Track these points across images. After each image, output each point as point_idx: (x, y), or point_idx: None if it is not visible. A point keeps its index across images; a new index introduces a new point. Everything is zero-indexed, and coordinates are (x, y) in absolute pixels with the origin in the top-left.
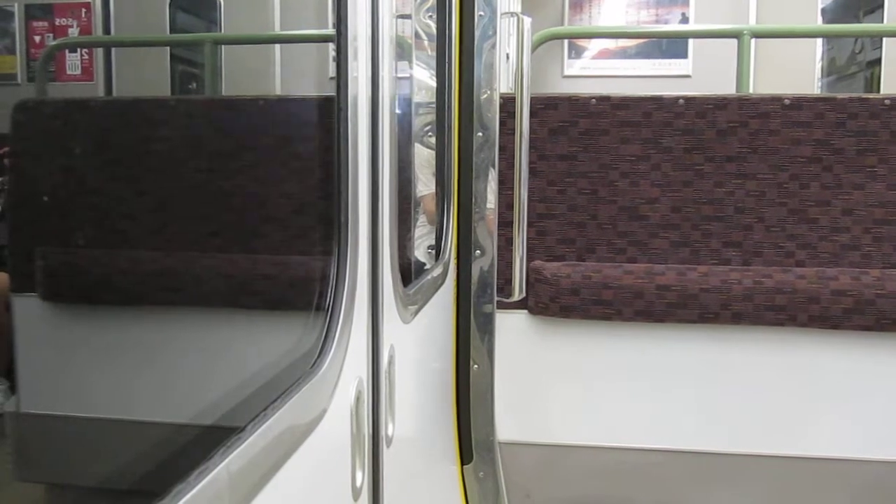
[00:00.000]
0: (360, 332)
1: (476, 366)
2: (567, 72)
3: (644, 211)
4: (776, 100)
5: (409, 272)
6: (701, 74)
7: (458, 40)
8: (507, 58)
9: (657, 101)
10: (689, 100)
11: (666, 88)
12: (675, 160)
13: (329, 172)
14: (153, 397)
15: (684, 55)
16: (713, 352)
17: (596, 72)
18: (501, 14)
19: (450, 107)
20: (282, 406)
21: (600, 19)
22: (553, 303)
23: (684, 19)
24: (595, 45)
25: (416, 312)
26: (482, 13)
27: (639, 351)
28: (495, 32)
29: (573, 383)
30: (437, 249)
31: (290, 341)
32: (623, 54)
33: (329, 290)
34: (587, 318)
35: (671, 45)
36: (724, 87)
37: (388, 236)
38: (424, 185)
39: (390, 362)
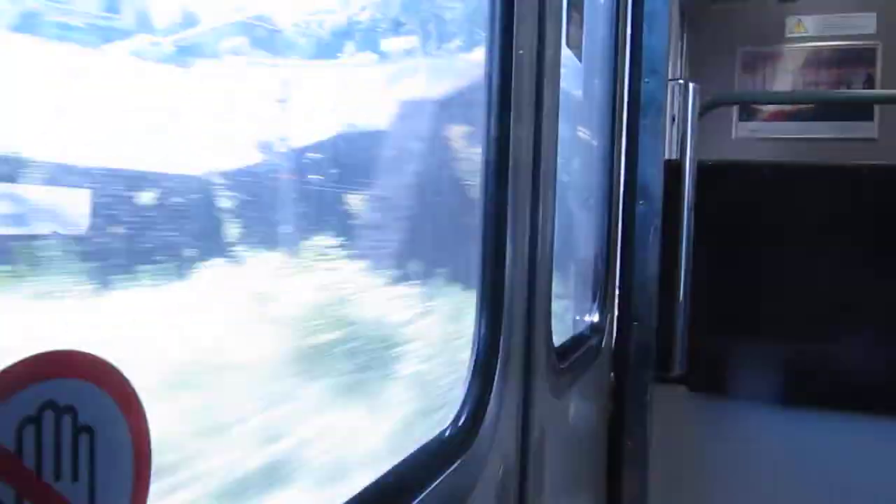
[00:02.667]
0: (510, 409)
1: (630, 443)
2: (737, 134)
3: (820, 288)
4: None
5: (563, 344)
6: (889, 138)
7: (623, 106)
8: (673, 120)
9: (838, 169)
10: (874, 168)
11: (847, 154)
12: (857, 234)
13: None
14: None
15: (869, 117)
16: None
17: (769, 134)
18: (668, 80)
19: (613, 173)
20: (425, 488)
21: (775, 80)
22: (716, 380)
23: (869, 79)
24: (769, 107)
25: (570, 386)
26: (648, 79)
27: (813, 441)
28: (662, 98)
29: (735, 469)
30: (594, 320)
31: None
32: (800, 116)
33: (479, 365)
34: (753, 399)
35: (855, 106)
36: None
37: (544, 307)
38: (582, 252)
39: (540, 441)
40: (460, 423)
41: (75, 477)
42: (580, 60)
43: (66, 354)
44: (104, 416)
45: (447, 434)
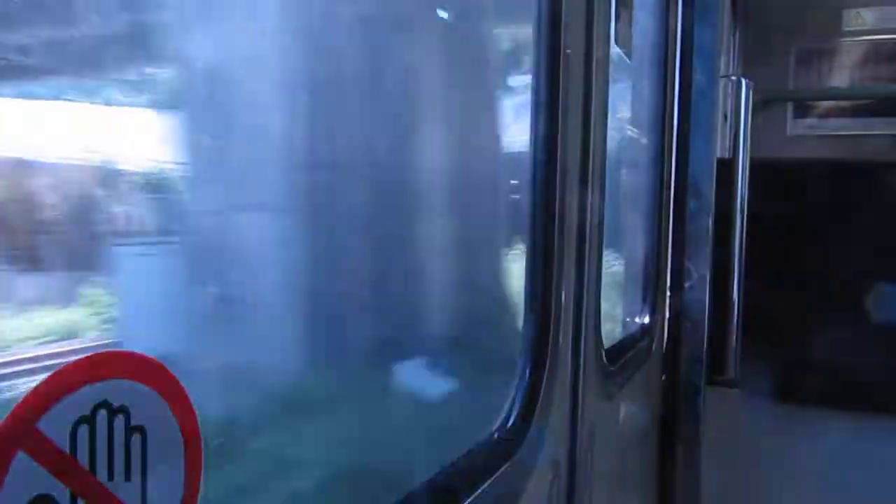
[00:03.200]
0: (560, 410)
1: (682, 446)
2: (792, 131)
3: (880, 290)
4: None
5: (613, 345)
6: None
7: (673, 104)
8: (725, 119)
9: (893, 167)
10: None
11: None
12: None
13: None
14: None
15: None
16: None
17: (825, 131)
18: (720, 76)
19: (663, 172)
20: (475, 490)
21: (832, 76)
22: (770, 384)
23: None
24: (825, 102)
25: (620, 388)
26: (699, 76)
27: (870, 447)
28: (713, 95)
29: (788, 472)
30: (644, 321)
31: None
32: (858, 112)
33: (528, 366)
34: (808, 404)
35: None
36: None
37: (593, 308)
38: (631, 254)
39: (589, 442)
40: (509, 424)
41: (128, 476)
42: (629, 58)
43: (119, 355)
44: (155, 416)
45: (496, 436)
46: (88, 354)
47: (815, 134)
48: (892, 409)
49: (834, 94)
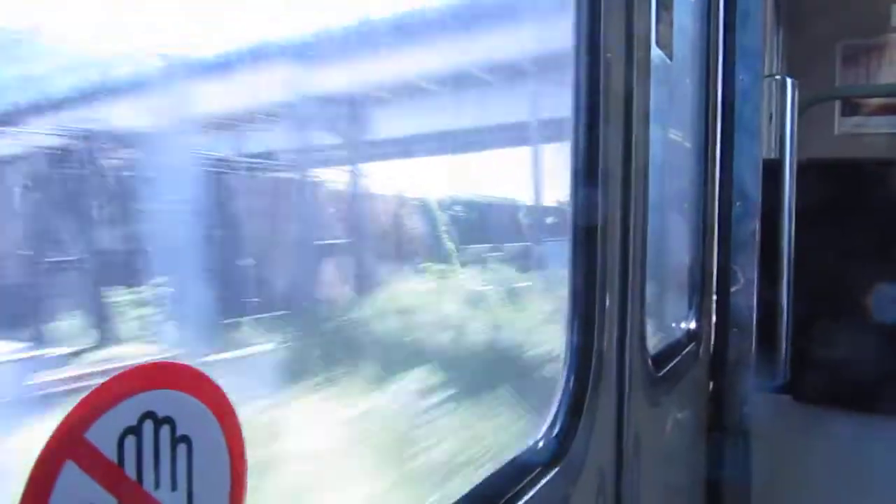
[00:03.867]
0: (605, 417)
1: (731, 453)
2: (840, 130)
3: None
4: None
5: (658, 351)
6: None
7: (717, 106)
8: (771, 118)
9: None
10: None
11: None
12: None
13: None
14: None
15: None
16: None
17: (874, 129)
18: (764, 76)
19: (707, 174)
20: (520, 499)
21: (880, 73)
22: (823, 390)
23: None
24: (873, 100)
25: (666, 394)
26: (742, 76)
27: None
28: (757, 96)
29: (840, 480)
30: (691, 326)
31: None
32: None
33: (572, 373)
34: (861, 409)
35: None
36: None
37: (638, 313)
38: (676, 256)
39: (636, 449)
40: (554, 432)
41: (174, 486)
42: (670, 59)
43: (165, 366)
44: (201, 427)
45: (541, 444)
46: (137, 365)
47: (864, 132)
48: None
49: (880, 91)
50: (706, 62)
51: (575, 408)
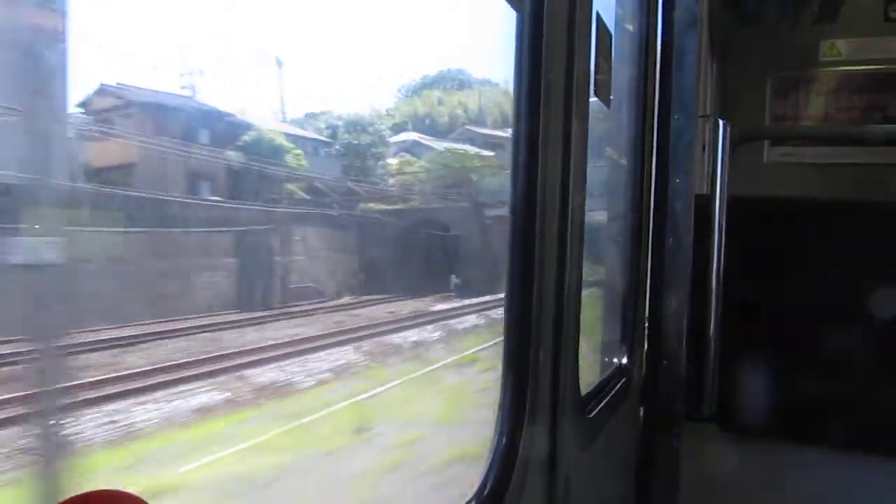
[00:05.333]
0: (536, 471)
1: (659, 482)
2: (769, 159)
3: (857, 326)
4: None
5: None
6: None
7: (652, 145)
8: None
9: (872, 206)
10: None
11: (886, 178)
12: (889, 272)
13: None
14: None
15: None
16: None
17: (802, 159)
18: (699, 116)
19: (641, 211)
20: None
21: (808, 106)
22: (748, 419)
23: None
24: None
25: (597, 434)
26: (678, 116)
27: (850, 484)
28: (692, 135)
29: None
30: (622, 361)
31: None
32: (833, 142)
33: (506, 430)
34: (787, 438)
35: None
36: None
37: (571, 358)
38: (611, 294)
39: (566, 494)
40: (486, 491)
41: None
42: (608, 106)
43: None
44: None
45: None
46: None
47: (791, 161)
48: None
49: (807, 132)
50: (643, 101)
51: (506, 465)
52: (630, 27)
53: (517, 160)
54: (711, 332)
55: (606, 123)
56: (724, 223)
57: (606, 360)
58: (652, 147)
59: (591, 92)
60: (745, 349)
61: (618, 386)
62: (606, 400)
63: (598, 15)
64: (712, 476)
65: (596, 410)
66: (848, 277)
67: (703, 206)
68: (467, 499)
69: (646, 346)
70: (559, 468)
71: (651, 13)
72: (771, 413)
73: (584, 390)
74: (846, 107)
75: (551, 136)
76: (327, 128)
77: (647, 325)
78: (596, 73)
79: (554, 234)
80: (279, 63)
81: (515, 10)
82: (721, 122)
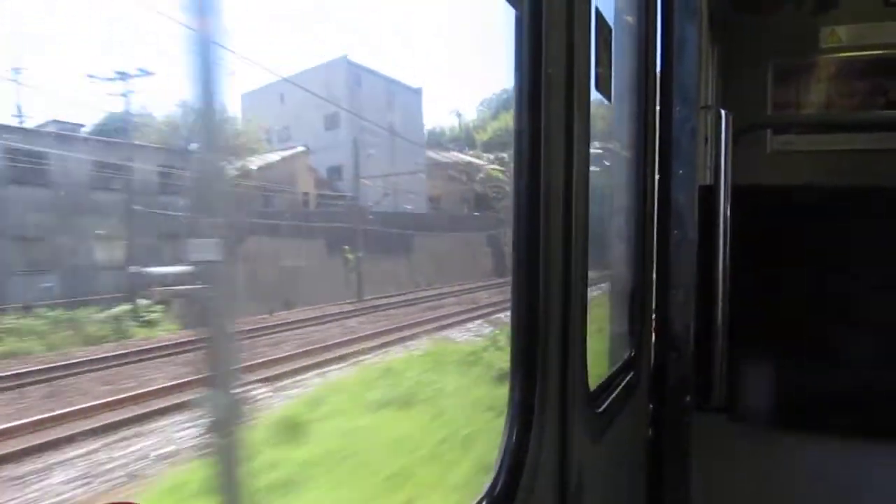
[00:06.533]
0: (549, 463)
1: (670, 473)
2: (771, 147)
3: (866, 313)
4: None
5: (598, 385)
6: None
7: (655, 138)
8: (706, 141)
9: (876, 191)
10: None
11: (890, 164)
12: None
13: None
14: None
15: None
16: None
17: (805, 147)
18: (700, 108)
19: (646, 203)
20: None
21: (810, 93)
22: (757, 409)
23: None
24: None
25: (607, 427)
26: (679, 108)
27: (861, 472)
28: (694, 126)
29: (778, 498)
30: (631, 354)
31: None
32: (835, 128)
33: (516, 422)
34: (796, 428)
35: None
36: None
37: (579, 354)
38: (618, 287)
39: (578, 488)
40: (497, 491)
41: None
42: (609, 100)
43: None
44: None
45: (486, 501)
46: None
47: (794, 149)
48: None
49: (810, 120)
50: (644, 93)
51: (518, 461)
52: (629, 19)
53: (520, 158)
54: (719, 322)
55: (609, 118)
56: (728, 213)
57: (617, 353)
58: (654, 139)
59: (593, 86)
60: (752, 339)
61: (627, 379)
62: (616, 393)
63: (597, 9)
64: (722, 466)
65: (606, 404)
66: (856, 265)
67: (707, 197)
68: (480, 496)
69: (654, 339)
70: (571, 462)
71: (650, 4)
72: (780, 403)
73: (593, 384)
74: (848, 92)
75: (553, 132)
76: None
77: (654, 317)
78: (596, 67)
79: (558, 229)
80: None
81: (514, 8)
82: (723, 113)
